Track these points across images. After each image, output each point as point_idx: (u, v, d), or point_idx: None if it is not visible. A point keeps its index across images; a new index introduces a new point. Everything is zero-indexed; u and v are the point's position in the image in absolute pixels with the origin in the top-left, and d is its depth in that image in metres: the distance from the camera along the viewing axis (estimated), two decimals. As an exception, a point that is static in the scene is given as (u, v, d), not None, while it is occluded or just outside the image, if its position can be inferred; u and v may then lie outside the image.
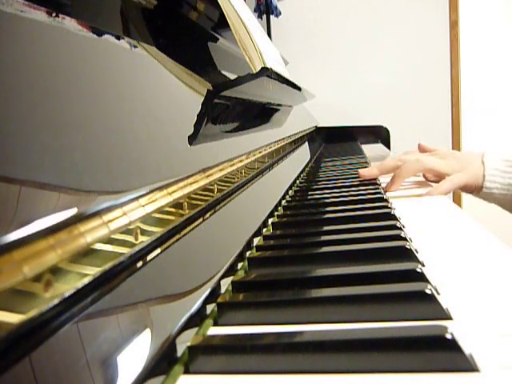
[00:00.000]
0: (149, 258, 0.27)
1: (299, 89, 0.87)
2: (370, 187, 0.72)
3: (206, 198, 0.38)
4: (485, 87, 2.20)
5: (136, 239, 0.25)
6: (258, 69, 0.55)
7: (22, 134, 0.21)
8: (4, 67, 0.23)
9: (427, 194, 0.70)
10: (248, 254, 0.44)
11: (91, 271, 0.21)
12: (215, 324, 0.31)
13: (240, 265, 0.41)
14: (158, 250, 0.29)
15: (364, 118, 1.96)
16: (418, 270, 0.33)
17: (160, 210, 0.29)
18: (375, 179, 0.80)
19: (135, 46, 0.42)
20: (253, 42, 0.61)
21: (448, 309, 0.29)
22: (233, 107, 0.59)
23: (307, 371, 0.24)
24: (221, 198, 0.43)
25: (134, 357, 0.22)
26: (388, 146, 1.63)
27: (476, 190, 0.72)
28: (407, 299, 0.30)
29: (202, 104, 0.46)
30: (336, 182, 0.82)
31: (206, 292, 0.31)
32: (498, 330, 0.27)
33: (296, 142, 1.02)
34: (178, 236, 0.32)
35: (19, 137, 0.20)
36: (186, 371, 0.26)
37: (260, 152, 0.61)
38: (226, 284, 0.36)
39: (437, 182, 0.75)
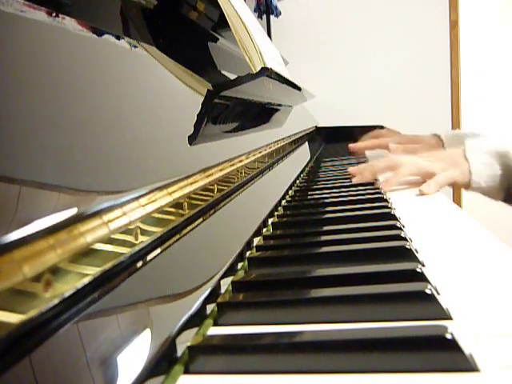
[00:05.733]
0: (149, 257, 0.27)
1: (299, 89, 0.87)
2: (370, 187, 0.73)
3: (206, 198, 0.38)
4: (485, 87, 2.19)
5: (136, 239, 0.25)
6: (258, 69, 0.55)
7: (22, 133, 0.21)
8: (4, 67, 0.23)
9: (420, 193, 0.71)
10: (248, 254, 0.44)
11: (91, 271, 0.21)
12: (215, 324, 0.31)
13: (240, 265, 0.41)
14: (158, 250, 0.29)
15: (364, 118, 1.96)
16: (418, 269, 0.33)
17: (160, 210, 0.29)
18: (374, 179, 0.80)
19: (135, 46, 0.42)
20: (253, 42, 0.61)
21: (448, 309, 0.29)
22: (233, 107, 0.59)
23: (307, 371, 0.24)
24: (221, 198, 0.43)
25: (134, 357, 0.22)
26: (388, 146, 1.63)
27: (465, 185, 0.75)
28: (407, 299, 0.30)
29: (202, 104, 0.46)
30: (336, 181, 0.82)
31: (205, 292, 0.31)
32: (498, 330, 0.27)
33: (296, 142, 1.02)
34: (178, 236, 0.32)
35: (19, 137, 0.20)
36: (186, 371, 0.26)
37: (260, 152, 0.61)
38: (226, 284, 0.36)
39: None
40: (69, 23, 0.32)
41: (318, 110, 1.71)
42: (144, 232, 0.26)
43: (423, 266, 0.38)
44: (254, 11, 2.07)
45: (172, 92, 0.44)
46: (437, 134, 1.08)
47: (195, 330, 0.29)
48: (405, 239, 0.43)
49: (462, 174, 0.74)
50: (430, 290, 0.29)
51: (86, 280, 0.20)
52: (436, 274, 0.35)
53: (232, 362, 0.26)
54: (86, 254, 0.21)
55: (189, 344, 0.26)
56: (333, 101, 2.19)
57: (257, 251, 0.45)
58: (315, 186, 0.80)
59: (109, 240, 0.23)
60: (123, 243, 0.24)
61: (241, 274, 0.40)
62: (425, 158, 0.78)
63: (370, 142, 1.18)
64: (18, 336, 0.17)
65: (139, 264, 0.26)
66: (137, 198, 0.26)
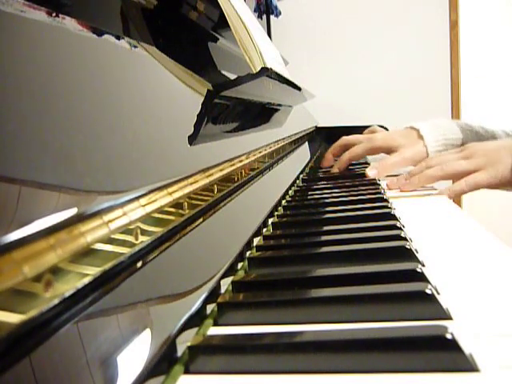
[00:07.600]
0: (149, 258, 0.27)
1: (299, 89, 0.87)
2: (370, 187, 0.73)
3: (206, 197, 0.38)
4: (485, 87, 2.20)
5: (136, 239, 0.25)
6: (258, 69, 0.55)
7: (22, 133, 0.21)
8: (4, 67, 0.23)
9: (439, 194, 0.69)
10: (248, 254, 0.44)
11: (91, 271, 0.21)
12: (215, 324, 0.31)
13: (240, 265, 0.41)
14: (158, 250, 0.29)
15: (364, 118, 1.96)
16: (418, 269, 0.33)
17: (160, 210, 0.29)
18: (375, 179, 0.80)
19: (135, 46, 0.42)
20: (253, 42, 0.61)
21: (448, 309, 0.29)
22: (233, 107, 0.59)
23: (307, 371, 0.24)
24: (221, 198, 0.43)
25: (134, 357, 0.22)
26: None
27: (493, 186, 0.68)
28: (407, 299, 0.30)
29: (202, 104, 0.46)
30: (336, 181, 0.82)
31: (205, 292, 0.31)
32: (498, 330, 0.27)
33: (296, 142, 1.02)
34: (178, 236, 0.32)
35: (19, 137, 0.20)
36: (187, 371, 0.25)
37: (260, 152, 0.61)
38: (226, 284, 0.36)
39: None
40: (69, 23, 0.32)
41: (317, 110, 1.71)
42: (144, 232, 0.26)
43: (423, 265, 0.38)
44: (254, 11, 2.07)
45: (172, 92, 0.44)
46: (414, 127, 0.93)
47: (195, 329, 0.29)
48: (405, 239, 0.43)
49: (493, 178, 0.67)
50: (430, 289, 0.29)
51: (86, 280, 0.20)
52: (436, 274, 0.35)
53: (232, 361, 0.26)
54: (86, 253, 0.21)
55: (189, 344, 0.26)
56: (333, 101, 2.19)
57: (257, 251, 0.45)
58: (315, 186, 0.80)
59: (109, 240, 0.23)
60: (123, 243, 0.24)
61: (241, 273, 0.40)
62: (463, 153, 0.71)
63: (337, 155, 1.02)
64: (18, 336, 0.17)
65: (139, 264, 0.26)
66: (137, 198, 0.26)
